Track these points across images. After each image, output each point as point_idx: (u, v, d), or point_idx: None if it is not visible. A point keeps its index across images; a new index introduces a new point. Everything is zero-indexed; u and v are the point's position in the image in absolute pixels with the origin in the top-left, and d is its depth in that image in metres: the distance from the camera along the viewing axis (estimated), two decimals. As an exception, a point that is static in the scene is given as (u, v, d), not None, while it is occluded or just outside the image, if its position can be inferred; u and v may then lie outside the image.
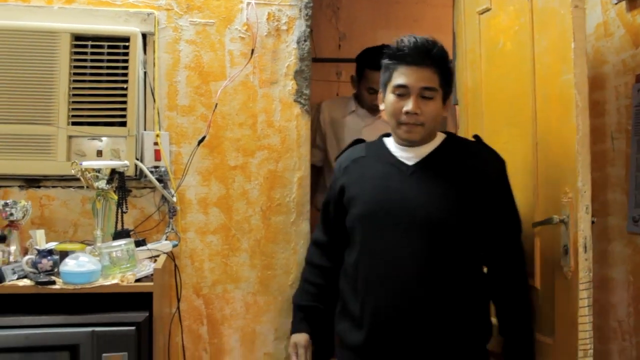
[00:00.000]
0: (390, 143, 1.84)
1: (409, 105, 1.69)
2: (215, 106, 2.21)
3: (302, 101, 2.30)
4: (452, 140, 1.83)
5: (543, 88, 1.95)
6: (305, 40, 2.30)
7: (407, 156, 1.78)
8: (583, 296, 1.63)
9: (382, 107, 1.84)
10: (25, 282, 1.66)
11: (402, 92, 1.72)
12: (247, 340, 2.26)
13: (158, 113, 2.20)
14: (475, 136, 1.90)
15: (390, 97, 1.75)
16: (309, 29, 2.31)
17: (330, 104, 3.12)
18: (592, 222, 1.74)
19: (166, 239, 2.10)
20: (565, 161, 1.79)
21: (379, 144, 1.86)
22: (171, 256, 2.04)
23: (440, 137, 1.81)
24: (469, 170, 1.74)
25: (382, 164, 1.79)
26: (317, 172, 3.03)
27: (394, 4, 4.01)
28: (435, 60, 1.72)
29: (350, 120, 3.02)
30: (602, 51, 2.40)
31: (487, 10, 2.22)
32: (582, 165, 1.75)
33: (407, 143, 1.77)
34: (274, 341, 2.27)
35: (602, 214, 2.37)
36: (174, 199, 2.18)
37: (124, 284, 1.66)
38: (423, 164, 1.75)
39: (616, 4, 2.30)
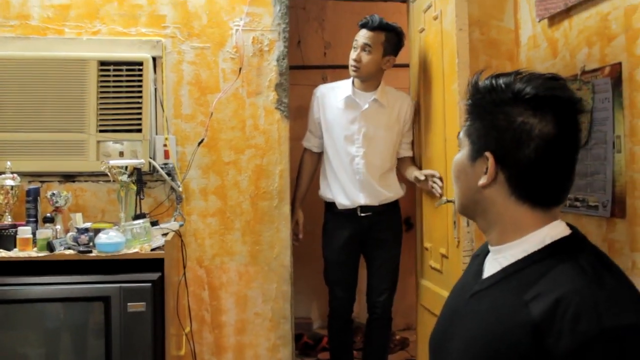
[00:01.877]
0: None
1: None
2: (211, 114, 2.74)
3: (282, 108, 2.81)
4: (550, 252, 1.04)
5: (447, 94, 2.45)
6: (283, 59, 2.81)
7: (490, 264, 1.13)
8: (465, 261, 2.13)
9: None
10: (70, 251, 2.20)
11: None
12: (240, 302, 2.79)
13: (166, 120, 2.72)
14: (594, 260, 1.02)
15: None
16: (286, 49, 2.82)
17: (325, 88, 3.07)
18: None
19: (174, 221, 2.63)
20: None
21: None
22: (178, 234, 2.57)
23: (539, 238, 1.06)
24: (526, 325, 0.96)
25: (467, 272, 1.22)
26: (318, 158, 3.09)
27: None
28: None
29: (344, 108, 2.96)
30: (532, 60, 2.90)
31: (423, 30, 2.73)
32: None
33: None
34: (262, 303, 2.79)
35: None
36: (180, 189, 2.70)
37: (142, 252, 2.20)
38: (488, 284, 1.09)
39: (539, 21, 2.80)
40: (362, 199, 2.91)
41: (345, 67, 2.96)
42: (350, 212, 2.94)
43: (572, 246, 1.04)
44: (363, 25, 2.91)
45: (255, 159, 2.79)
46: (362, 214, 2.93)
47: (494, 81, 1.07)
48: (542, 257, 1.03)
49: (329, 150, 2.98)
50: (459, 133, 1.16)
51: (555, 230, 1.06)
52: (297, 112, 3.37)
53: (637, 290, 0.98)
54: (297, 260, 2.92)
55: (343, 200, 2.94)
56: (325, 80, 4.15)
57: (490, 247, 1.13)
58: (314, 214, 3.18)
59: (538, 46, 2.84)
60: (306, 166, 3.11)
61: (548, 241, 1.04)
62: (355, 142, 2.92)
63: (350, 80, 3.00)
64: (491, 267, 1.11)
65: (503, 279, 1.05)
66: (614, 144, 2.26)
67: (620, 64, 2.23)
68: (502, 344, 0.97)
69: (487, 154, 1.06)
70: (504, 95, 1.05)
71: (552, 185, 1.05)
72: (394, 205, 3.04)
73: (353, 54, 2.91)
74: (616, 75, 2.24)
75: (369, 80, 2.95)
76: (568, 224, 1.09)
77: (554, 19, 2.69)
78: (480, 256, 1.19)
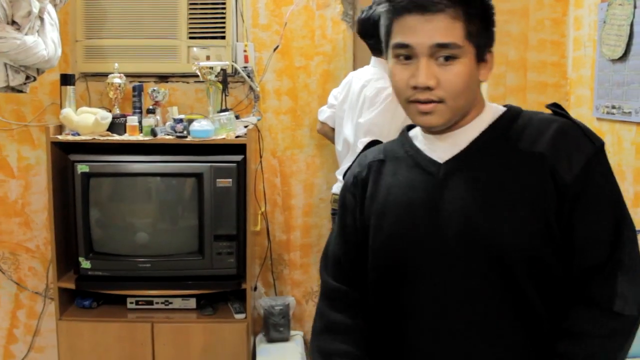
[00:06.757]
0: (416, 135, 1.26)
1: (418, 77, 1.10)
2: (285, 24, 3.10)
3: (347, 20, 3.12)
4: (511, 117, 1.18)
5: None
6: (350, -26, 3.11)
7: (439, 150, 1.19)
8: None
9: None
10: (169, 137, 2.66)
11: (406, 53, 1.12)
12: (307, 189, 3.22)
13: (246, 30, 3.10)
14: (553, 106, 1.21)
15: (391, 63, 1.16)
16: (353, -34, 3.11)
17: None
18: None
19: (253, 116, 3.06)
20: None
21: (402, 140, 1.27)
22: (256, 128, 3.01)
23: (490, 114, 1.19)
24: (535, 163, 1.11)
25: (405, 167, 1.22)
26: None
27: None
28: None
29: None
30: (579, -31, 3.06)
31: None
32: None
33: (430, 130, 1.18)
34: (326, 190, 3.19)
35: (577, 105, 3.13)
36: (257, 89, 3.11)
37: (229, 138, 2.64)
38: (462, 158, 1.16)
39: None
40: None
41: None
42: None
43: (520, 110, 1.22)
44: None
45: (323, 65, 3.14)
46: None
47: None
48: (511, 116, 1.20)
49: None
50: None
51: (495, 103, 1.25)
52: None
53: None
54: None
55: None
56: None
57: (444, 137, 1.19)
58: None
59: (585, -43, 2.98)
60: None
61: (501, 110, 1.22)
62: None
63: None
64: (445, 147, 1.18)
65: (492, 141, 1.17)
66: (650, 56, 2.48)
67: (661, -25, 2.40)
68: (548, 180, 1.11)
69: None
70: None
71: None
72: None
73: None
74: (657, -12, 2.43)
75: None
76: None
77: None
78: (374, 166, 1.26)
